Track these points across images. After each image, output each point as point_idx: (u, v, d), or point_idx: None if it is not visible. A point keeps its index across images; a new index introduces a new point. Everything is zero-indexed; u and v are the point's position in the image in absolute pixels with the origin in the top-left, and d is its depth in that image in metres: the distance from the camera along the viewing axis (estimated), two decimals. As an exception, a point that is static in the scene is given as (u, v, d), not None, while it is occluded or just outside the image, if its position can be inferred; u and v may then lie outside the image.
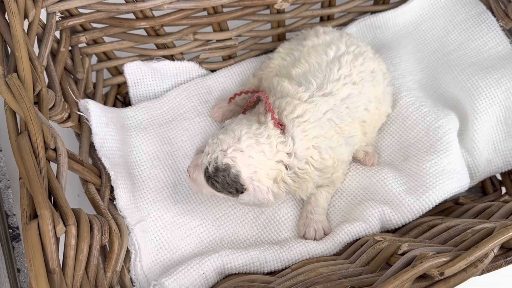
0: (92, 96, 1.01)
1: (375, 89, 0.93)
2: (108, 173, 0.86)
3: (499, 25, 1.07)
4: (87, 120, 0.90)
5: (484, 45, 1.08)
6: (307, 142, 0.84)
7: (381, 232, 0.91)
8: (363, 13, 1.19)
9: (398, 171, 0.95)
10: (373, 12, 1.18)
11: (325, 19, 1.15)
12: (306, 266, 0.84)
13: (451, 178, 0.91)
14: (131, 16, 0.99)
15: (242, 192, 0.82)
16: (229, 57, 1.13)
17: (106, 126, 0.92)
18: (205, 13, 1.04)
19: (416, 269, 0.64)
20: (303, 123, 0.84)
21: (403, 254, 0.76)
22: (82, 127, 0.90)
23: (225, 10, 1.05)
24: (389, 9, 1.16)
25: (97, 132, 0.89)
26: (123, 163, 0.93)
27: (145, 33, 1.03)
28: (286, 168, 0.83)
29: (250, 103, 0.95)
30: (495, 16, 1.09)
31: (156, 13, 1.00)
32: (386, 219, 0.89)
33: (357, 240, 0.89)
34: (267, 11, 1.09)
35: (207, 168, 0.82)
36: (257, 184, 0.80)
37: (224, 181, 0.81)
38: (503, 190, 1.08)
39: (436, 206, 0.91)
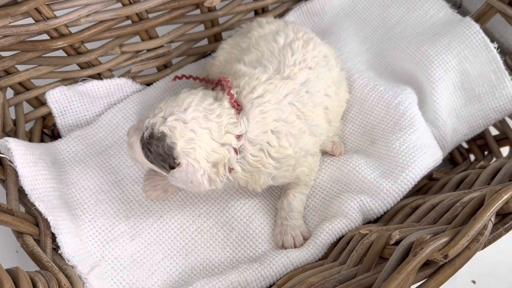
0: (14, 135, 0.87)
1: (331, 74, 0.87)
2: (46, 219, 0.73)
3: (439, -9, 1.05)
4: (11, 162, 0.76)
5: (425, 14, 1.05)
6: (265, 125, 0.76)
7: (364, 224, 0.84)
8: (297, 1, 1.13)
9: (367, 156, 0.89)
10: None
11: (259, 12, 1.08)
12: (294, 278, 0.74)
13: (424, 153, 0.85)
14: (45, 36, 0.86)
15: (173, 168, 0.73)
16: (165, 66, 1.03)
17: (34, 165, 0.79)
18: (129, 21, 0.94)
19: (418, 256, 0.57)
20: (263, 104, 0.76)
21: (396, 243, 0.69)
22: (5, 171, 0.76)
23: (150, 15, 0.95)
24: (323, -8, 1.11)
25: (25, 174, 0.75)
26: (62, 205, 0.79)
27: (64, 54, 0.91)
28: (236, 153, 0.75)
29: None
30: (430, -16, 1.06)
31: (73, 29, 0.88)
32: (366, 209, 0.82)
33: (340, 238, 0.81)
34: (198, 11, 1.00)
35: (143, 134, 0.73)
36: (192, 161, 0.71)
37: (157, 151, 0.72)
38: (472, 157, 1.05)
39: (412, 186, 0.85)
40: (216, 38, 1.06)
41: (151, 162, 0.75)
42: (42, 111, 0.94)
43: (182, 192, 0.88)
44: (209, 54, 1.07)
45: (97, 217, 0.83)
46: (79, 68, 0.94)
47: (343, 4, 1.12)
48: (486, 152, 1.05)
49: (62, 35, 0.87)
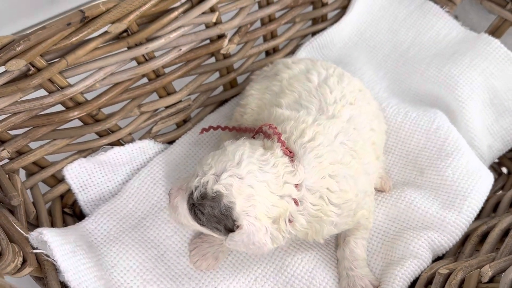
0: (36, 221, 0.77)
1: (371, 107, 0.83)
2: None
3: (445, 11, 1.04)
4: (47, 256, 0.66)
5: (438, 34, 1.04)
6: (322, 170, 0.70)
7: (433, 262, 0.79)
8: (304, 37, 1.10)
9: (419, 188, 0.85)
10: (314, 34, 1.09)
11: (271, 53, 1.04)
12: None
13: (480, 177, 0.82)
14: (59, 107, 0.78)
15: (232, 230, 0.66)
16: (184, 121, 0.96)
17: (74, 255, 0.69)
18: (145, 79, 0.87)
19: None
20: (316, 147, 0.70)
21: (490, 281, 0.65)
22: (44, 267, 0.66)
23: (167, 70, 0.88)
24: (330, 25, 1.09)
25: (67, 268, 0.66)
26: (109, 294, 0.70)
27: (80, 123, 0.82)
28: (297, 204, 0.68)
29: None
30: (437, 4, 1.06)
31: (88, 96, 0.80)
32: (436, 245, 0.77)
33: (415, 281, 0.76)
34: (213, 59, 0.94)
35: (191, 194, 0.66)
36: (253, 221, 0.64)
37: (211, 213, 0.65)
38: (504, 170, 1.03)
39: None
40: (232, 85, 1.00)
41: (202, 225, 0.68)
42: (60, 189, 0.84)
43: (232, 256, 0.81)
44: (225, 102, 1.01)
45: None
46: (97, 137, 0.86)
47: (351, 34, 1.11)
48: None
49: (78, 104, 0.79)
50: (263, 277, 0.79)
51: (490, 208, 0.87)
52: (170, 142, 0.94)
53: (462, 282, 0.68)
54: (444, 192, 0.82)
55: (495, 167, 1.02)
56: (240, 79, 1.01)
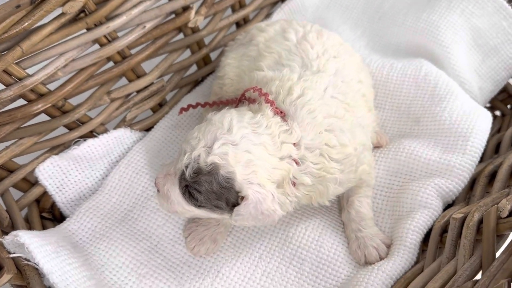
0: (12, 229, 0.70)
1: (355, 59, 0.79)
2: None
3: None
4: (28, 260, 0.59)
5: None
6: (318, 126, 0.65)
7: (444, 210, 0.74)
8: (274, 4, 1.05)
9: (417, 137, 0.81)
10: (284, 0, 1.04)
11: (241, 24, 0.99)
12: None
13: (478, 116, 0.78)
14: (21, 102, 0.71)
15: (235, 205, 0.60)
16: (160, 105, 0.89)
17: (57, 255, 0.62)
18: (111, 64, 0.80)
19: None
20: (308, 103, 0.65)
21: (510, 214, 0.61)
22: (25, 273, 0.59)
23: (133, 51, 0.82)
24: (298, -11, 1.04)
25: (51, 269, 0.59)
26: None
27: (46, 117, 0.75)
28: (298, 164, 0.63)
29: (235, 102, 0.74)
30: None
31: (51, 86, 0.74)
32: (444, 191, 0.73)
33: (428, 233, 0.71)
34: (181, 36, 0.88)
35: (183, 174, 0.59)
36: (257, 189, 0.58)
37: (209, 190, 0.58)
38: (497, 113, 1.00)
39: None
40: (205, 62, 0.94)
41: (200, 207, 0.61)
42: (35, 192, 0.77)
43: (232, 236, 0.75)
44: (202, 80, 0.95)
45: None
46: (67, 130, 0.79)
47: (322, -4, 1.06)
48: (509, 106, 1.00)
49: (40, 96, 0.72)
50: (268, 253, 0.73)
51: (492, 150, 0.83)
52: (148, 130, 0.87)
53: (480, 222, 0.63)
54: (444, 137, 0.78)
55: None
56: (213, 56, 0.96)
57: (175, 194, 0.62)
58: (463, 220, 0.66)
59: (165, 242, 0.73)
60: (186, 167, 0.59)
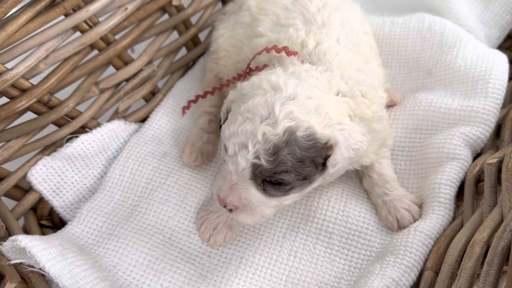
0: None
1: (355, 11, 0.74)
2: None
3: None
4: (31, 267, 0.53)
5: None
6: (348, 66, 0.61)
7: (474, 161, 0.69)
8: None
9: (432, 89, 0.76)
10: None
11: (227, 0, 0.93)
12: (449, 249, 0.58)
13: (494, 58, 0.74)
14: (3, 100, 0.65)
15: (324, 160, 0.54)
16: (152, 94, 0.83)
17: (63, 258, 0.56)
18: (96, 52, 0.74)
19: None
20: (328, 49, 0.61)
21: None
22: (30, 281, 0.52)
23: (117, 37, 0.76)
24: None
25: (59, 273, 0.53)
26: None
27: (33, 115, 0.69)
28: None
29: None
30: None
31: (34, 80, 0.67)
32: (471, 139, 0.68)
33: (461, 185, 0.66)
34: (166, 16, 0.82)
35: (255, 169, 0.52)
36: (340, 127, 0.53)
37: (295, 162, 0.51)
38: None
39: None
40: (195, 43, 0.88)
41: (291, 189, 0.55)
42: (30, 199, 0.70)
43: (250, 219, 0.69)
44: (193, 64, 0.89)
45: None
46: (57, 128, 0.72)
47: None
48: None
49: (23, 91, 0.66)
50: (292, 231, 0.67)
51: (510, 95, 0.79)
52: (143, 120, 0.81)
53: (519, 162, 0.58)
54: (461, 84, 0.73)
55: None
56: (202, 37, 0.90)
57: (256, 197, 0.55)
58: (499, 164, 0.62)
59: (180, 234, 0.67)
60: (257, 157, 0.51)
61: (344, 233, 0.67)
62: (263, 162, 0.51)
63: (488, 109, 0.69)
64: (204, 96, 0.72)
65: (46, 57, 0.67)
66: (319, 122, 0.51)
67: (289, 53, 0.59)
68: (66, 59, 0.70)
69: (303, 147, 0.51)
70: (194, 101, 0.73)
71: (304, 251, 0.66)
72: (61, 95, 0.71)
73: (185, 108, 0.75)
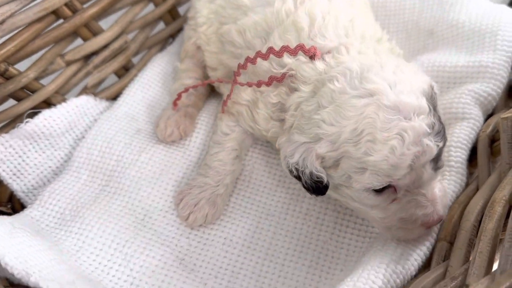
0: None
1: None
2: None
3: None
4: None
5: None
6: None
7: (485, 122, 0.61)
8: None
9: (435, 49, 0.68)
10: None
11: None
12: (465, 213, 0.49)
13: (501, 12, 0.66)
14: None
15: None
16: (126, 69, 0.76)
17: (11, 236, 0.47)
18: (60, 20, 0.67)
19: None
20: (326, 25, 0.54)
21: None
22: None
23: (85, 5, 0.69)
24: None
25: (4, 252, 0.44)
26: (82, 281, 0.49)
27: (-13, 87, 0.62)
28: None
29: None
30: None
31: (-13, 49, 0.60)
32: (482, 97, 0.60)
33: (474, 143, 0.58)
34: (140, -15, 0.76)
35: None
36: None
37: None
38: None
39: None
40: (173, 16, 0.82)
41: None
42: (-16, 183, 0.62)
43: (236, 197, 0.61)
44: (172, 39, 0.82)
45: (143, 282, 0.53)
46: (15, 101, 0.65)
47: None
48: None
49: (-26, 60, 0.58)
50: (282, 208, 0.60)
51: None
52: (115, 98, 0.73)
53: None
54: (466, 40, 0.65)
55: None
56: (182, 11, 0.83)
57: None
58: (516, 117, 0.54)
59: (154, 214, 0.59)
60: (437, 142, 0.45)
61: (341, 208, 0.59)
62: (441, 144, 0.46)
63: (498, 63, 0.61)
64: (195, 86, 0.66)
65: (2, 23, 0.60)
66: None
67: (313, 54, 0.52)
68: (26, 27, 0.62)
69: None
70: (185, 91, 0.66)
71: (296, 229, 0.58)
72: (21, 66, 0.64)
73: (176, 100, 0.67)
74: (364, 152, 0.44)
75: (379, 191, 0.47)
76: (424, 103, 0.44)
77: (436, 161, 0.46)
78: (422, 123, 0.44)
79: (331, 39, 0.53)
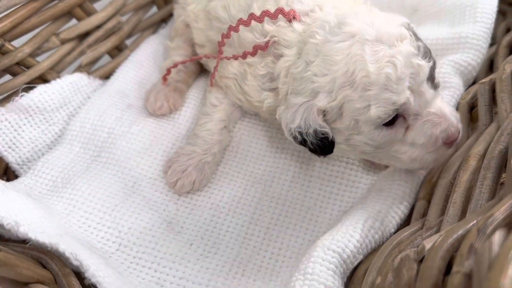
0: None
1: None
2: (61, 252, 0.43)
3: None
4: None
5: None
6: None
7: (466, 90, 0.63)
8: None
9: (418, 24, 0.69)
10: None
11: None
12: (443, 176, 0.51)
13: (482, -13, 0.68)
14: None
15: None
16: (119, 50, 0.78)
17: (1, 193, 0.49)
18: (56, 0, 0.69)
19: None
20: None
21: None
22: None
23: (79, -14, 0.71)
24: None
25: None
26: (69, 237, 0.50)
27: (-17, 61, 0.64)
28: None
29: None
30: None
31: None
32: (462, 66, 0.62)
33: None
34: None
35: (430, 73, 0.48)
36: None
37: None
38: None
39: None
40: (166, 1, 0.84)
41: None
42: (-22, 154, 0.64)
43: (224, 166, 0.63)
44: (165, 23, 0.85)
45: (131, 243, 0.54)
46: (10, 77, 0.67)
47: None
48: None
49: (-29, 33, 0.61)
50: (269, 176, 0.61)
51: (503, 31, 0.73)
52: (109, 77, 0.75)
53: (515, 74, 0.52)
54: (448, 14, 0.67)
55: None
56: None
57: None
58: (493, 84, 0.55)
59: (144, 182, 0.61)
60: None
61: (326, 175, 0.60)
62: (431, 63, 0.47)
63: (477, 34, 0.63)
64: (184, 61, 0.68)
65: (-2, -1, 0.63)
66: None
67: (287, 15, 0.53)
68: (23, 5, 0.65)
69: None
70: (175, 66, 0.68)
71: (281, 195, 0.59)
72: (17, 44, 0.66)
73: (166, 75, 0.69)
74: (363, 89, 0.45)
75: (389, 124, 0.48)
76: (404, 30, 0.46)
77: (432, 81, 0.48)
78: (407, 46, 0.45)
79: (308, 4, 0.54)
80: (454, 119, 0.49)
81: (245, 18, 0.57)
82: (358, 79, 0.45)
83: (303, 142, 0.49)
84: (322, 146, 0.48)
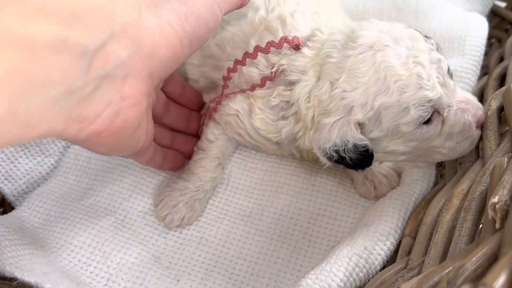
0: None
1: None
2: (42, 291, 0.44)
3: None
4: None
5: None
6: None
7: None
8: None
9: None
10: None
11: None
12: (429, 213, 0.51)
13: (473, 19, 0.70)
14: None
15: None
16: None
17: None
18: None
19: None
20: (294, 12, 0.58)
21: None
22: None
23: None
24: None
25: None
26: (58, 274, 0.51)
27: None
28: None
29: None
30: None
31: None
32: None
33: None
34: None
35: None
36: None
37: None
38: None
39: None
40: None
41: None
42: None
43: (214, 199, 0.63)
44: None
45: (119, 278, 0.55)
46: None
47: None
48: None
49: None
50: (258, 210, 0.61)
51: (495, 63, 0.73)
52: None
53: (501, 110, 0.52)
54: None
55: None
56: None
57: None
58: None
59: (134, 215, 0.61)
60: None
61: (315, 209, 0.60)
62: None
63: (466, 67, 0.63)
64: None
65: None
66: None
67: (292, 42, 0.53)
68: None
69: None
70: None
71: (270, 229, 0.59)
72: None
73: None
74: (399, 93, 0.47)
75: (428, 122, 0.50)
76: (413, 30, 0.49)
77: (449, 71, 0.51)
78: (424, 43, 0.48)
79: (305, 30, 0.55)
80: (476, 101, 0.53)
81: (241, 55, 0.57)
82: (391, 85, 0.47)
83: (340, 160, 0.50)
84: (362, 159, 0.49)
